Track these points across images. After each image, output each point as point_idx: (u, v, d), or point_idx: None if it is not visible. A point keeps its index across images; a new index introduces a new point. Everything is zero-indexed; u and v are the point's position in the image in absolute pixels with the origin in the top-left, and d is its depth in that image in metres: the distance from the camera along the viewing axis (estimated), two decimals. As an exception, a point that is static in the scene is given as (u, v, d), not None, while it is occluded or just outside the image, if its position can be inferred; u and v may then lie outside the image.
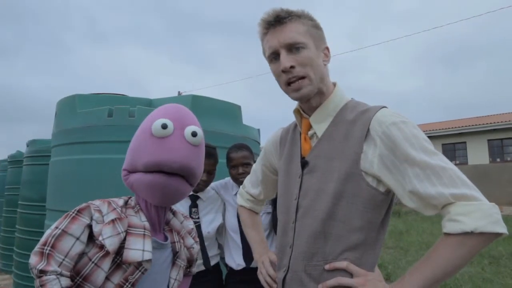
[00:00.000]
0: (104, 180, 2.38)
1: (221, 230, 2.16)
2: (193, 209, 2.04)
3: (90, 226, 0.89)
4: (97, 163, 2.47)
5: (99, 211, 0.92)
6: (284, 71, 1.02)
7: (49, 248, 0.84)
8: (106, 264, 0.88)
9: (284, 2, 1.11)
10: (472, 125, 16.84)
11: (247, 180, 1.49)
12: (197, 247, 1.19)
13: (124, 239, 0.91)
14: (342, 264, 0.97)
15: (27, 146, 5.00)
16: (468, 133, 17.04)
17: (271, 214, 2.08)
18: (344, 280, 0.96)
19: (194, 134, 0.98)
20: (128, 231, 0.92)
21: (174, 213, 1.16)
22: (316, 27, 1.08)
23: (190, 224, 1.22)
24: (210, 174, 2.04)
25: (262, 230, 1.45)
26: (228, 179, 2.24)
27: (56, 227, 0.87)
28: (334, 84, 1.14)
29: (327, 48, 1.11)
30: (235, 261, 2.06)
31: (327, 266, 0.99)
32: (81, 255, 0.88)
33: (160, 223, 1.06)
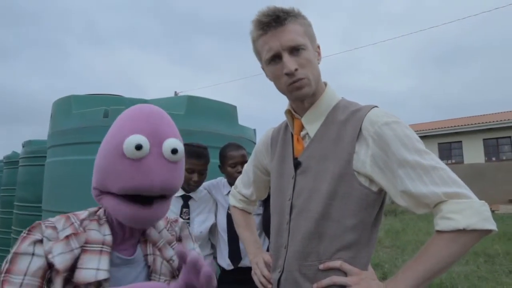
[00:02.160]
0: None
1: (214, 230, 2.16)
2: (184, 210, 2.05)
3: (42, 241, 0.81)
4: (92, 164, 2.45)
5: (53, 228, 0.84)
6: (287, 74, 1.01)
7: (3, 275, 0.76)
8: (58, 283, 0.79)
9: (279, 2, 1.10)
10: (468, 125, 16.93)
11: (238, 181, 1.49)
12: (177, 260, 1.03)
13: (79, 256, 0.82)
14: (336, 263, 0.98)
15: (23, 146, 4.98)
16: (464, 133, 17.12)
17: (261, 216, 2.09)
18: (338, 279, 0.97)
19: (174, 151, 0.85)
20: (83, 247, 0.83)
21: None
22: (310, 25, 1.09)
23: (177, 227, 1.08)
24: (202, 174, 2.04)
25: (255, 231, 1.45)
26: (220, 179, 2.25)
27: (10, 252, 0.80)
28: (325, 84, 1.14)
29: (319, 47, 1.12)
30: (226, 261, 2.07)
31: (321, 266, 0.99)
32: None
33: (133, 237, 0.95)
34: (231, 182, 2.13)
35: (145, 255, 0.96)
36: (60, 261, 0.79)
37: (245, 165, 1.46)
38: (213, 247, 2.20)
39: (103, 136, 0.92)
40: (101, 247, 0.85)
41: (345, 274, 0.98)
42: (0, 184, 6.25)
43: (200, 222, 2.07)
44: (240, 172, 2.03)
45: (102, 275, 0.81)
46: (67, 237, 0.82)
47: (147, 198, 0.86)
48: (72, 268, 0.80)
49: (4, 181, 6.01)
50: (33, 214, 4.35)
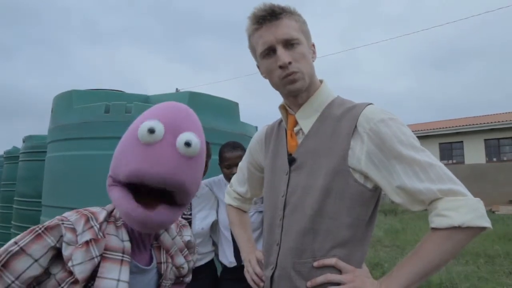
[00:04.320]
0: (100, 177, 2.36)
1: (215, 227, 2.16)
2: None
3: (56, 248, 0.76)
4: (93, 159, 2.46)
5: (73, 230, 0.78)
6: (281, 67, 1.02)
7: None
8: None
9: (276, 1, 1.11)
10: (469, 125, 16.90)
11: (234, 179, 1.48)
12: (187, 266, 1.03)
13: (99, 264, 0.78)
14: (331, 261, 0.98)
15: (23, 141, 4.98)
16: (465, 133, 17.10)
17: (263, 213, 2.08)
18: (333, 276, 0.97)
19: (188, 144, 0.80)
20: (103, 255, 0.79)
21: None
22: (305, 23, 1.10)
23: (187, 235, 1.08)
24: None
25: (250, 229, 1.44)
26: (221, 176, 2.24)
27: (15, 242, 0.74)
28: (321, 81, 1.15)
29: (313, 45, 1.13)
30: (228, 258, 2.06)
31: (315, 263, 0.99)
32: (47, 275, 0.76)
33: (145, 242, 0.94)
34: (228, 182, 2.12)
35: (159, 263, 0.96)
36: (81, 271, 0.75)
37: (240, 163, 1.45)
38: (214, 244, 2.20)
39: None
40: (122, 256, 0.82)
41: (339, 271, 0.98)
42: (0, 179, 6.26)
43: (202, 219, 2.07)
44: (234, 174, 2.02)
45: (122, 287, 0.79)
46: (87, 243, 0.78)
47: (153, 199, 0.83)
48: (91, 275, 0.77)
49: (4, 176, 6.02)
50: (33, 209, 4.36)
